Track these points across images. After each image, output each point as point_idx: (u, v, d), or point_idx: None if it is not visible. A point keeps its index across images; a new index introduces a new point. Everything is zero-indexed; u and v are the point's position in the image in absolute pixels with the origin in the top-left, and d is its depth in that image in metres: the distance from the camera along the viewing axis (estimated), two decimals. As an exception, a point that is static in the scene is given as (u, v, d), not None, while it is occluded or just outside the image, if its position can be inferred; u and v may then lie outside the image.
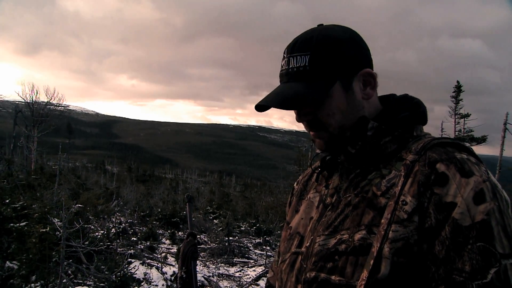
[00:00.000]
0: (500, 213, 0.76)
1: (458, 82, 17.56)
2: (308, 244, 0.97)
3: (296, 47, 0.94)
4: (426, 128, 0.99)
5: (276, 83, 1.02)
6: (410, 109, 0.97)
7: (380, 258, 0.79)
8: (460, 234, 0.75)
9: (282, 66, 0.98)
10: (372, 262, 0.79)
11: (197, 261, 9.16)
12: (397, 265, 0.79)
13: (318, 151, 1.08)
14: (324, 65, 0.92)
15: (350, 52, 0.94)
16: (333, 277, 0.86)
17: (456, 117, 17.22)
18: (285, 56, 0.97)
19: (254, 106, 1.00)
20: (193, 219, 14.93)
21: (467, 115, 17.00)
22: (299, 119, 0.99)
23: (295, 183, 1.26)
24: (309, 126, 0.99)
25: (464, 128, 16.96)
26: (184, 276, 1.44)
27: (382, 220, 0.82)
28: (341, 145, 0.98)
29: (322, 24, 0.99)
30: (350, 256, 0.84)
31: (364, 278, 0.79)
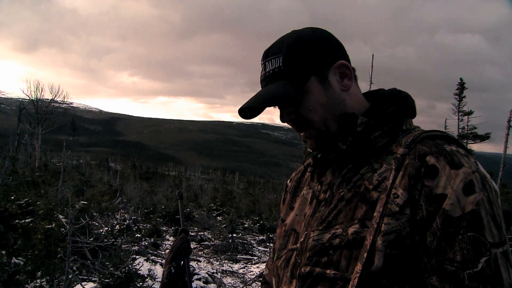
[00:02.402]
0: (490, 203, 0.78)
1: (461, 79, 17.53)
2: (302, 239, 0.98)
3: (270, 52, 1.00)
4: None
5: None
6: (399, 103, 0.98)
7: (373, 251, 0.81)
8: (451, 224, 0.77)
9: (260, 73, 1.02)
10: (365, 255, 0.81)
11: (199, 258, 9.15)
12: (390, 257, 0.80)
13: (309, 149, 1.10)
14: (297, 62, 0.96)
15: (321, 48, 0.97)
16: (328, 271, 0.87)
17: (459, 114, 17.18)
18: (262, 62, 1.01)
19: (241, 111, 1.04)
20: (196, 216, 14.93)
21: (471, 112, 16.96)
22: (283, 119, 1.02)
23: (288, 180, 1.28)
24: (295, 126, 1.02)
25: (467, 126, 16.92)
26: (173, 271, 1.44)
27: (375, 214, 0.83)
28: (331, 142, 1.00)
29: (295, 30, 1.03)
30: (344, 250, 0.86)
31: (358, 270, 0.81)
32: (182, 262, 1.50)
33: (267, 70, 0.99)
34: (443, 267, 0.77)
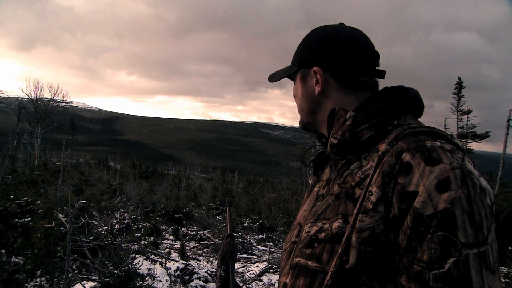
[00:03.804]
0: (469, 202, 0.74)
1: (459, 78, 17.55)
2: (301, 233, 1.01)
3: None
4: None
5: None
6: (392, 99, 0.97)
7: (348, 247, 0.81)
8: (422, 223, 0.75)
9: None
10: (340, 250, 0.81)
11: (199, 257, 9.14)
12: (364, 254, 0.80)
13: (318, 144, 1.16)
14: (297, 53, 1.12)
15: (311, 49, 1.07)
16: (310, 263, 0.89)
17: (458, 113, 17.20)
18: None
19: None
20: (196, 215, 14.95)
21: (469, 112, 16.98)
22: None
23: (310, 179, 1.30)
24: None
25: (467, 125, 16.94)
26: (223, 274, 1.50)
27: (354, 210, 0.84)
28: (313, 129, 1.13)
29: (342, 23, 1.09)
30: (328, 244, 0.86)
31: (333, 265, 0.82)
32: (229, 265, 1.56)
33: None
34: (411, 267, 0.76)
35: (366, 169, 0.89)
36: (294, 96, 1.16)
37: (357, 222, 0.82)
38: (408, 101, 0.98)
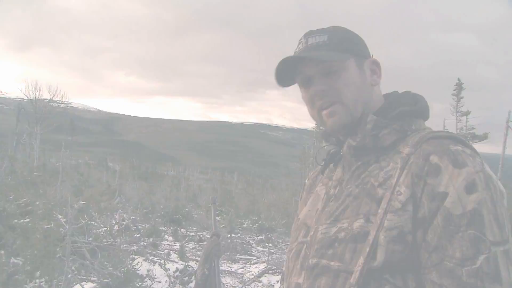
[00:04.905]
0: (493, 203, 0.79)
1: (459, 79, 17.59)
2: (312, 233, 1.01)
3: (314, 31, 1.04)
4: (427, 125, 1.02)
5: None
6: (409, 104, 1.01)
7: (376, 246, 0.83)
8: (452, 222, 0.79)
9: (298, 47, 1.05)
10: (368, 249, 0.83)
11: (198, 258, 9.16)
12: (392, 252, 0.83)
13: (326, 144, 1.14)
14: (340, 42, 1.01)
15: (361, 40, 1.08)
16: (332, 263, 0.90)
17: (457, 114, 17.23)
18: (302, 39, 1.05)
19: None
20: (195, 216, 14.90)
21: (469, 113, 17.01)
22: (314, 87, 1.01)
23: (307, 179, 1.31)
24: (322, 99, 1.01)
25: (466, 126, 16.97)
26: (207, 272, 1.50)
27: (379, 210, 0.86)
28: (350, 127, 1.00)
29: None
30: (349, 243, 0.88)
31: (360, 264, 0.83)
32: (213, 263, 1.56)
33: (309, 43, 1.02)
34: (443, 263, 0.79)
35: (388, 170, 0.92)
36: (343, 84, 0.99)
37: (385, 221, 0.84)
38: (421, 106, 1.03)
